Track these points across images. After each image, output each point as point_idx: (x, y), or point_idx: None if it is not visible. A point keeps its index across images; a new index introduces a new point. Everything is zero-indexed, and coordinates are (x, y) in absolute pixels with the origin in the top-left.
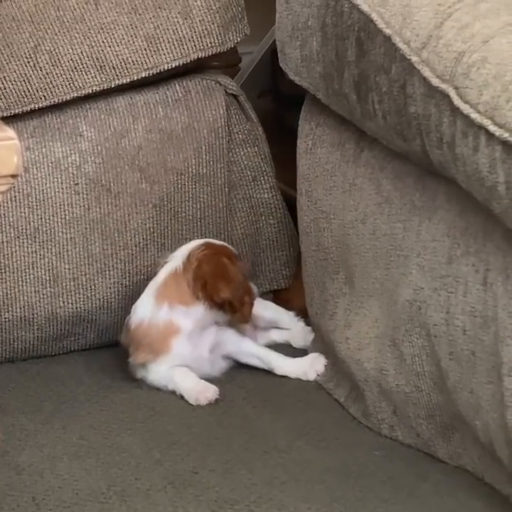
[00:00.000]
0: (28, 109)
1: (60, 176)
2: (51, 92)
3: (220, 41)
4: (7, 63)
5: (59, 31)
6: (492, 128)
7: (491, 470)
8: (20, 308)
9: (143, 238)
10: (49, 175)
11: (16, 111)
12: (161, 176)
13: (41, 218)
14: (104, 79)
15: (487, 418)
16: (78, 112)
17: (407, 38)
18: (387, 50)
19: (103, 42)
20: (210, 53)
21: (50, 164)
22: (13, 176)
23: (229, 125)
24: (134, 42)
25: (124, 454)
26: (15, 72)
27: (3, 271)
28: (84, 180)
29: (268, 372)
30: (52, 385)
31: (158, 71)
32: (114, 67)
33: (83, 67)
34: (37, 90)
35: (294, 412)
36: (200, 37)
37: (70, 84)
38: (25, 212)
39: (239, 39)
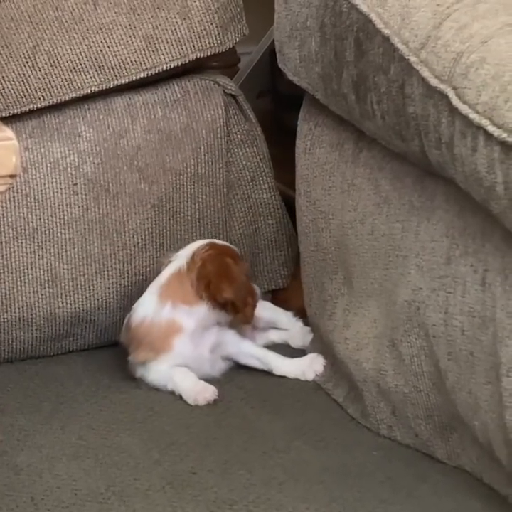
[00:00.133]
0: (27, 109)
1: (59, 176)
2: (50, 93)
3: (219, 41)
4: (6, 63)
5: (58, 31)
6: (490, 128)
7: (490, 470)
8: (19, 308)
9: (141, 238)
10: (48, 175)
11: (15, 111)
12: (159, 176)
13: (40, 218)
14: (102, 79)
15: (486, 418)
16: (77, 113)
17: (405, 39)
18: (386, 51)
19: (102, 42)
20: (209, 54)
21: (48, 164)
22: (12, 177)
23: (228, 125)
24: (132, 42)
25: (123, 454)
26: (13, 72)
27: (1, 271)
28: (83, 181)
29: (267, 373)
30: (51, 386)
31: (156, 71)
32: (112, 68)
33: (82, 68)
34: (36, 90)
35: (292, 412)
36: (199, 37)
37: (68, 84)
38: (23, 213)
39: (237, 39)
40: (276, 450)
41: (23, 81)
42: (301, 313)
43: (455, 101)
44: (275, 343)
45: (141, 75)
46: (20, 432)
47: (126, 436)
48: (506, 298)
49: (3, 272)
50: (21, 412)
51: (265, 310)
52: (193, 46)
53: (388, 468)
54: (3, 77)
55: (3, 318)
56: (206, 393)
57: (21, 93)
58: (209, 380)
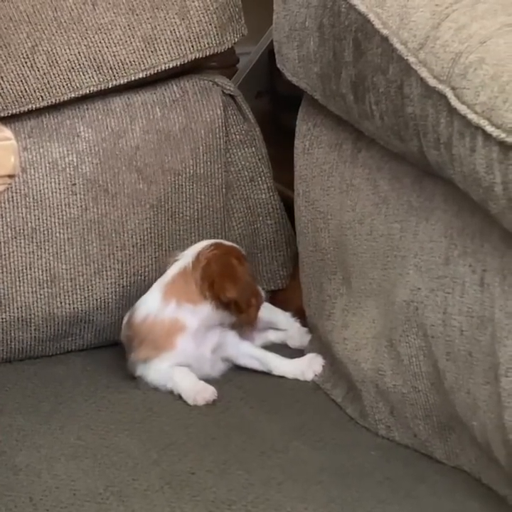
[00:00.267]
0: (26, 109)
1: (58, 176)
2: (49, 93)
3: (218, 42)
4: (5, 64)
5: (56, 32)
6: (489, 128)
7: (488, 470)
8: (18, 308)
9: (140, 238)
10: (46, 175)
11: (14, 111)
12: (158, 177)
13: (39, 218)
14: (101, 79)
15: (484, 418)
16: (76, 113)
17: (404, 39)
18: (385, 51)
19: (100, 42)
20: (208, 54)
21: (47, 164)
22: (11, 177)
23: (226, 126)
24: (131, 42)
25: (122, 454)
26: (12, 72)
27: (0, 271)
28: (82, 181)
29: (265, 373)
30: (50, 386)
31: (155, 71)
32: (111, 68)
33: (81, 68)
34: (34, 91)
35: (291, 412)
36: (198, 37)
37: (67, 84)
38: (22, 213)
39: (236, 40)
40: (274, 450)
41: (21, 81)
42: (300, 314)
43: (454, 101)
44: (273, 343)
45: (140, 75)
46: (19, 432)
47: (124, 437)
48: (505, 298)
49: (2, 272)
50: (20, 412)
51: (263, 310)
52: (192, 46)
53: (387, 469)
54: (1, 77)
55: (2, 319)
56: (206, 394)
57: (20, 93)
58: (208, 380)
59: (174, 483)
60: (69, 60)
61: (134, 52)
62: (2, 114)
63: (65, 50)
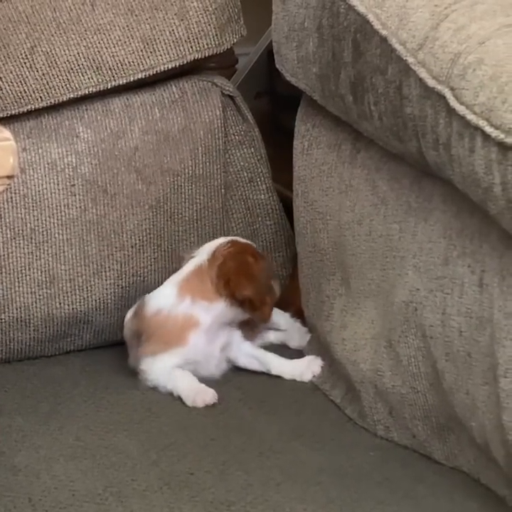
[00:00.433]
0: (25, 110)
1: (57, 177)
2: (48, 93)
3: (217, 42)
4: (3, 64)
5: (55, 32)
6: (488, 129)
7: (487, 471)
8: (17, 309)
9: (139, 239)
10: (45, 176)
11: (13, 112)
12: (157, 177)
13: (37, 219)
14: (100, 80)
15: (483, 419)
16: (75, 113)
17: (403, 39)
18: (384, 51)
19: (99, 43)
20: (207, 54)
21: (46, 165)
22: (9, 177)
23: (225, 126)
24: (130, 43)
25: (121, 455)
26: (11, 73)
27: None
28: (81, 182)
29: (264, 374)
30: (49, 386)
31: (154, 72)
32: (110, 69)
33: (80, 69)
34: (33, 91)
35: (290, 413)
36: (197, 38)
37: (66, 85)
38: (21, 214)
39: (235, 40)
40: (273, 451)
41: (20, 82)
42: (299, 314)
43: (452, 102)
44: (273, 343)
45: (139, 76)
46: (18, 432)
47: (123, 437)
48: (503, 299)
49: (1, 273)
50: (19, 412)
51: None
52: (191, 47)
53: (385, 469)
54: (1, 77)
55: (1, 319)
56: (206, 396)
57: (19, 94)
58: (209, 380)
59: (173, 483)
60: (68, 60)
61: (133, 52)
62: (1, 115)
63: (64, 50)
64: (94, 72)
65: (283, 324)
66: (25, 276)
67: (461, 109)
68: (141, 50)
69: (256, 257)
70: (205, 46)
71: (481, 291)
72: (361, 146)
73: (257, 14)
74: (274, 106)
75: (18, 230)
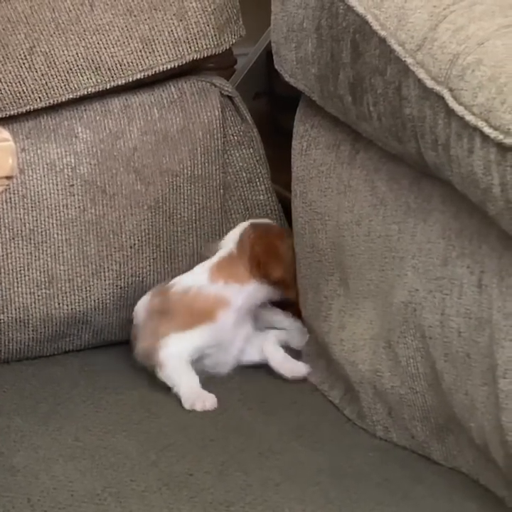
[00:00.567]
0: (24, 110)
1: (56, 177)
2: (46, 94)
3: (216, 43)
4: (2, 64)
5: (54, 33)
6: (487, 130)
7: (486, 472)
8: (16, 309)
9: (138, 240)
10: (44, 176)
11: (11, 112)
12: (156, 178)
13: (36, 220)
14: (99, 80)
15: (482, 420)
16: (74, 114)
17: (402, 40)
18: (382, 52)
19: (98, 43)
20: (206, 55)
21: (45, 166)
22: (8, 178)
23: (224, 127)
24: (129, 43)
25: (120, 455)
26: (10, 73)
27: None
28: (80, 182)
29: (263, 374)
30: (48, 387)
31: (153, 73)
32: (109, 69)
33: (78, 69)
34: (32, 92)
35: (288, 413)
36: (196, 39)
37: (65, 85)
38: (20, 214)
39: (234, 41)
40: (272, 451)
41: (19, 82)
42: (300, 314)
43: (451, 102)
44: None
45: (138, 76)
46: (17, 433)
47: (122, 438)
48: (502, 299)
49: (0, 273)
50: (18, 413)
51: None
52: (190, 47)
53: (384, 470)
54: None
55: (0, 320)
56: (206, 401)
57: (18, 94)
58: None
59: (172, 484)
60: (67, 61)
61: (132, 53)
62: (0, 115)
63: (63, 51)
64: (93, 72)
65: (284, 324)
66: (24, 276)
67: (459, 110)
68: (140, 51)
69: (280, 236)
70: (204, 46)
71: (480, 291)
72: (360, 147)
73: (256, 15)
74: (272, 106)
75: (17, 231)
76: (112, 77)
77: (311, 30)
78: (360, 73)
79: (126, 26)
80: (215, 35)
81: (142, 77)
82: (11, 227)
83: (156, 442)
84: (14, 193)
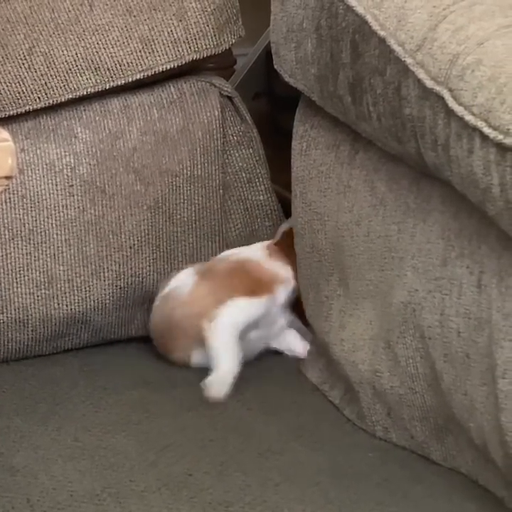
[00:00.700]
0: (23, 110)
1: (55, 177)
2: (46, 94)
3: (215, 43)
4: (2, 65)
5: (54, 33)
6: (486, 130)
7: (485, 472)
8: (15, 310)
9: (137, 240)
10: (43, 176)
11: (11, 112)
12: (155, 178)
13: (36, 220)
14: (99, 80)
15: (481, 420)
16: (73, 114)
17: (401, 40)
18: (382, 52)
19: (98, 44)
20: (205, 55)
21: (44, 166)
22: (8, 178)
23: (224, 127)
24: (128, 44)
25: (119, 455)
26: (9, 73)
27: None
28: (79, 182)
29: (262, 375)
30: (47, 387)
31: (153, 73)
32: (108, 69)
33: (78, 69)
34: (32, 92)
35: (288, 414)
36: (195, 39)
37: (64, 85)
38: (19, 214)
39: (234, 41)
40: (272, 452)
41: (19, 82)
42: (301, 314)
43: (451, 103)
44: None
45: (138, 77)
46: (16, 433)
47: (121, 438)
48: (502, 300)
49: None
50: (17, 413)
51: None
52: (189, 48)
53: (384, 470)
54: None
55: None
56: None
57: (17, 94)
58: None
59: (171, 484)
60: (66, 61)
61: (132, 53)
62: None
63: (62, 51)
64: (92, 72)
65: (295, 325)
66: (24, 276)
67: (459, 110)
68: (140, 51)
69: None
70: (204, 47)
71: (480, 292)
72: (360, 147)
73: (256, 15)
74: (272, 107)
75: (17, 231)
76: (112, 77)
77: (310, 30)
78: (360, 73)
79: (125, 26)
80: (215, 35)
81: (142, 77)
82: (10, 228)
83: (156, 442)
84: (13, 194)
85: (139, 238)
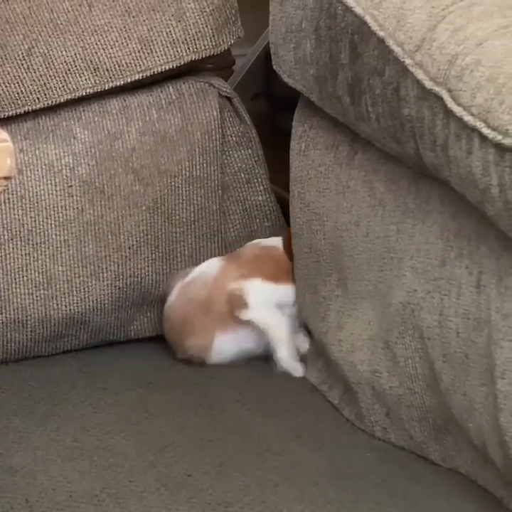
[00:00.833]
0: (22, 111)
1: (54, 178)
2: (45, 95)
3: (214, 44)
4: (1, 66)
5: (53, 34)
6: (485, 130)
7: (484, 472)
8: (14, 310)
9: (136, 240)
10: (43, 177)
11: (10, 113)
12: (154, 178)
13: (35, 220)
14: (97, 81)
15: (480, 420)
16: (72, 114)
17: (400, 41)
18: (381, 53)
19: (97, 44)
20: (204, 56)
21: (43, 166)
22: (7, 178)
23: (222, 127)
24: (127, 44)
25: (118, 456)
26: (8, 74)
27: None
28: (78, 183)
29: (261, 375)
30: (46, 387)
31: (151, 73)
32: (107, 70)
33: (77, 70)
34: (31, 92)
35: (287, 414)
36: (194, 39)
37: (63, 86)
38: (18, 215)
39: (232, 41)
40: (271, 452)
41: (18, 83)
42: None
43: (450, 103)
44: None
45: (136, 77)
46: (16, 433)
47: (121, 438)
48: (501, 300)
49: None
50: (16, 413)
51: None
52: (188, 48)
53: (383, 470)
54: None
55: None
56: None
57: (16, 95)
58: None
59: (170, 485)
60: (65, 62)
61: (130, 54)
62: None
63: (61, 52)
64: (91, 73)
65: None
66: (23, 277)
67: (458, 111)
68: (139, 52)
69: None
70: (203, 47)
71: (479, 292)
72: (358, 148)
73: (255, 15)
74: (271, 107)
75: (16, 231)
76: (111, 77)
77: (309, 31)
78: (359, 74)
79: (124, 27)
80: (214, 36)
81: (140, 77)
82: (9, 228)
83: (155, 443)
84: (12, 194)
85: (138, 239)
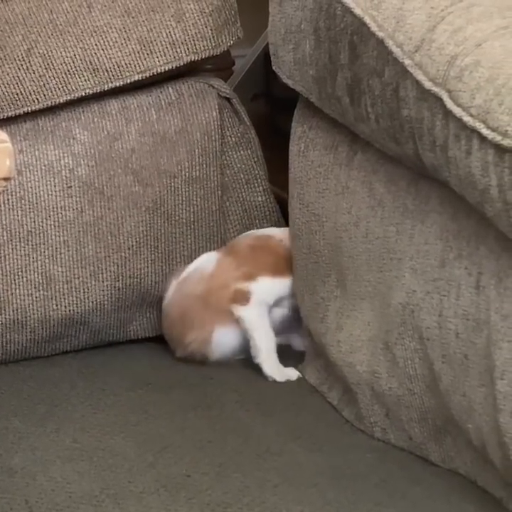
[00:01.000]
0: (21, 112)
1: (53, 178)
2: (44, 95)
3: (213, 44)
4: (0, 66)
5: (52, 34)
6: (484, 131)
7: (484, 473)
8: (14, 311)
9: (136, 241)
10: (42, 178)
11: (9, 114)
12: (154, 179)
13: (34, 221)
14: (97, 82)
15: (480, 421)
16: (71, 115)
17: (399, 41)
18: (380, 54)
19: (96, 45)
20: (203, 56)
21: (43, 167)
22: (6, 179)
23: (222, 128)
24: (127, 45)
25: (117, 457)
26: (8, 75)
27: None
28: (78, 183)
29: (261, 376)
30: (46, 388)
31: (151, 74)
32: (107, 70)
33: (76, 70)
34: (30, 93)
35: (286, 415)
36: (193, 40)
37: (63, 87)
38: (18, 215)
39: (232, 42)
40: (270, 453)
41: (17, 84)
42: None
43: (449, 104)
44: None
45: (136, 78)
46: (15, 434)
47: (120, 439)
48: (500, 301)
49: None
50: (16, 414)
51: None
52: (188, 49)
53: (382, 471)
54: None
55: None
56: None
57: (16, 96)
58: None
59: (170, 485)
60: (65, 62)
61: (130, 54)
62: None
63: (60, 52)
64: (90, 74)
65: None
66: (22, 277)
67: (457, 112)
68: (138, 52)
69: None
70: (202, 48)
71: (478, 293)
72: (358, 148)
73: (254, 16)
74: (270, 108)
75: (15, 232)
76: (110, 78)
77: (308, 31)
78: (358, 75)
79: (124, 28)
80: (213, 36)
81: (140, 78)
82: (8, 229)
83: (154, 444)
84: (12, 195)
85: (138, 239)
